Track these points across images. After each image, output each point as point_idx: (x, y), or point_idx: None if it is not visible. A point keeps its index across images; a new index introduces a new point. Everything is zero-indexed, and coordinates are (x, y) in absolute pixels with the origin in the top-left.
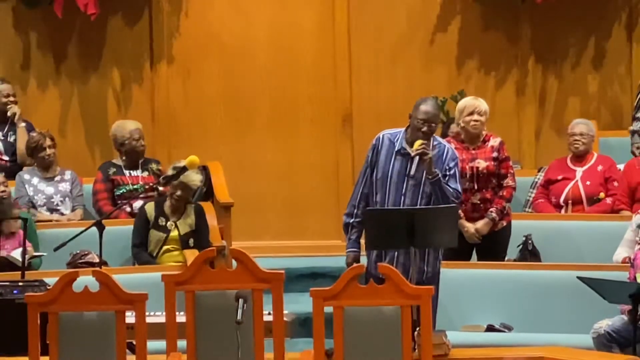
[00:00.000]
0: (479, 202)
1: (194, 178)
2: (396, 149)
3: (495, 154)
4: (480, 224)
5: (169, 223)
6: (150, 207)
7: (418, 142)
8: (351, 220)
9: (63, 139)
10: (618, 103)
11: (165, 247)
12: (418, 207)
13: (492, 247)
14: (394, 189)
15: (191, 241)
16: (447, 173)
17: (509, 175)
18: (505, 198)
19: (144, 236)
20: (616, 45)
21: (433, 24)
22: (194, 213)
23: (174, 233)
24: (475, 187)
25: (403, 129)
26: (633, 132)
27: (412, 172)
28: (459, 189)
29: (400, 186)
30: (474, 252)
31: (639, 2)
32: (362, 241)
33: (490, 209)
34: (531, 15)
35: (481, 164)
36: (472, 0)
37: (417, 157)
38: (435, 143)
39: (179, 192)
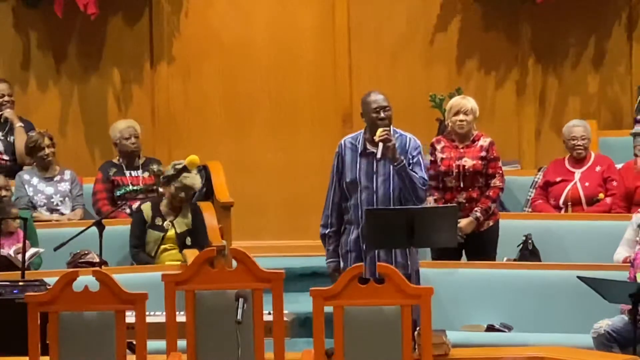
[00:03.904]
0: (464, 201)
1: (197, 181)
2: (359, 150)
3: (483, 154)
4: (463, 222)
5: (165, 222)
6: (147, 208)
7: (380, 130)
8: (327, 231)
9: (63, 139)
10: (618, 103)
11: (162, 247)
12: (418, 207)
13: (480, 247)
14: (365, 189)
15: (188, 240)
16: (411, 162)
17: (497, 175)
18: (492, 198)
19: (141, 237)
20: (616, 45)
21: (433, 24)
22: (190, 212)
23: (171, 232)
24: (462, 185)
25: (362, 131)
26: (635, 135)
27: (378, 156)
28: (425, 177)
29: (371, 185)
30: (463, 252)
31: (639, 2)
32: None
33: (475, 209)
34: (531, 15)
35: (468, 162)
36: (472, 0)
37: (381, 145)
38: (396, 135)
39: (182, 194)
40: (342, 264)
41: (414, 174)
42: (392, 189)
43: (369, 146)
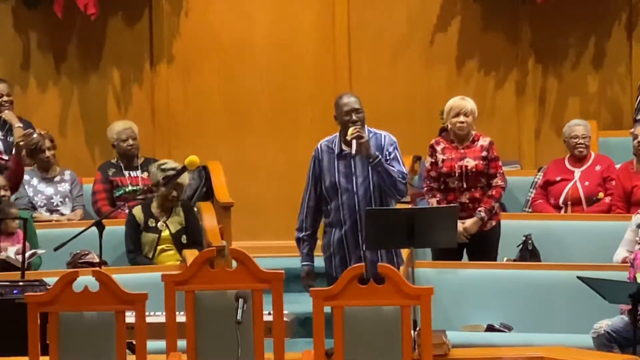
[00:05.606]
0: (467, 201)
1: (185, 176)
2: (336, 153)
3: (484, 153)
4: (468, 223)
5: (159, 223)
6: (138, 211)
7: (351, 128)
8: (301, 235)
9: (63, 139)
10: (618, 103)
11: (159, 248)
12: (418, 207)
13: (482, 247)
14: (346, 191)
15: (184, 238)
16: (388, 158)
17: (498, 174)
18: (495, 198)
19: (136, 241)
20: (616, 45)
21: (433, 24)
22: (182, 210)
23: (166, 233)
24: (464, 186)
25: (337, 134)
26: (634, 135)
27: (353, 152)
28: (403, 170)
29: (351, 187)
30: (464, 252)
31: (639, 2)
32: (323, 250)
33: (479, 209)
34: (531, 15)
35: (470, 162)
36: (472, 1)
37: (354, 142)
38: (371, 134)
39: (174, 193)
40: (326, 266)
41: (391, 168)
42: (372, 188)
43: (345, 148)
